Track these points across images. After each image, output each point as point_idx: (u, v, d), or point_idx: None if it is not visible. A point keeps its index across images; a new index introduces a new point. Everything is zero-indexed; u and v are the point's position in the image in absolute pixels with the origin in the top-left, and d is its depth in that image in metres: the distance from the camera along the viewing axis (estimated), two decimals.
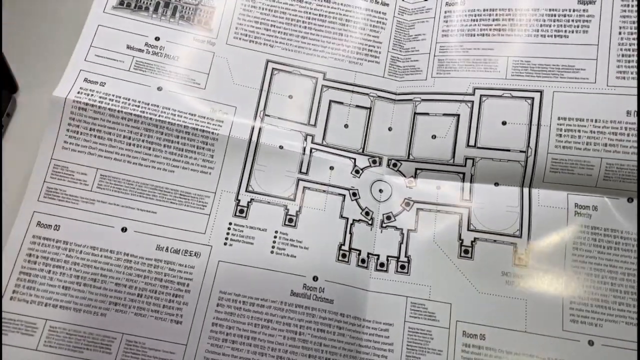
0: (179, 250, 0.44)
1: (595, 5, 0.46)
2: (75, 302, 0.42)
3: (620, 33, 0.45)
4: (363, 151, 0.47)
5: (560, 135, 0.44)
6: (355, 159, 0.47)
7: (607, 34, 0.45)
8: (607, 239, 0.42)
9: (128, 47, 0.47)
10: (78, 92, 0.45)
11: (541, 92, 0.45)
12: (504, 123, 0.45)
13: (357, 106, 0.48)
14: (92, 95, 0.45)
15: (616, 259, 0.42)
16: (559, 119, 0.44)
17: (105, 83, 0.46)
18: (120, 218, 0.44)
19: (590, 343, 0.41)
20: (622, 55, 0.45)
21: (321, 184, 0.46)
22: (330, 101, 0.48)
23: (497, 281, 0.43)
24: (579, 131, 0.44)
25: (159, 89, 0.46)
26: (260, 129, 0.47)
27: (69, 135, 0.44)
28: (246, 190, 0.45)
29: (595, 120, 0.44)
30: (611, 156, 0.43)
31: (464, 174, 0.46)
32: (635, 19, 0.45)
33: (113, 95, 0.45)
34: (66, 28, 0.49)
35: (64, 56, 0.47)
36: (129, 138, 0.45)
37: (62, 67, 0.46)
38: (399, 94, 0.49)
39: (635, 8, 0.45)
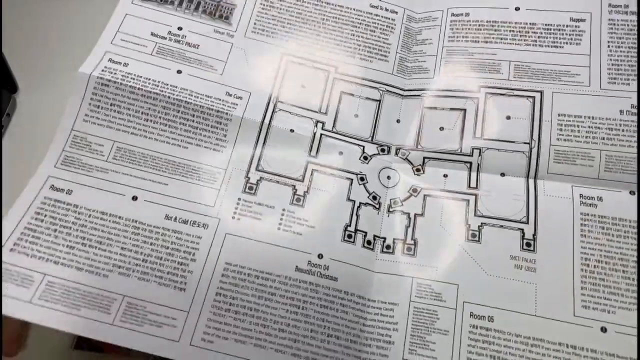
0: (187, 221, 0.44)
1: (586, 22, 0.50)
2: (78, 261, 0.42)
3: (609, 46, 0.49)
4: (372, 139, 0.49)
5: (561, 129, 0.46)
6: (364, 147, 0.48)
7: (597, 46, 0.49)
8: (616, 227, 0.43)
9: (152, 34, 0.50)
10: (102, 70, 0.47)
11: (541, 92, 0.48)
12: (508, 117, 0.48)
13: (367, 98, 0.50)
14: (115, 73, 0.47)
15: (627, 246, 0.42)
16: (559, 115, 0.47)
17: (128, 64, 0.48)
18: (132, 187, 0.44)
19: (603, 330, 0.40)
20: (612, 65, 0.48)
21: (330, 167, 0.47)
22: (342, 92, 0.50)
23: (505, 264, 0.43)
24: (578, 126, 0.46)
25: (179, 72, 0.48)
26: (272, 113, 0.48)
27: (91, 109, 0.46)
28: (256, 169, 0.46)
29: (593, 117, 0.46)
30: (609, 148, 0.45)
31: (470, 163, 0.47)
32: (621, 35, 0.49)
33: (135, 75, 0.47)
34: (66, 28, 0.52)
35: (64, 56, 0.48)
36: (147, 114, 0.46)
37: (63, 67, 0.48)
38: (407, 90, 0.51)
39: (620, 28, 0.49)
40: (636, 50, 0.48)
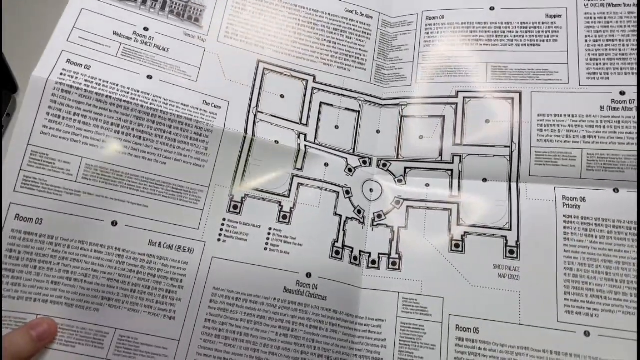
0: (172, 246, 0.42)
1: (562, 18, 0.50)
2: (67, 297, 0.40)
3: (586, 41, 0.49)
4: (354, 152, 0.48)
5: (542, 130, 0.46)
6: (347, 159, 0.48)
7: (574, 41, 0.49)
8: (599, 229, 0.43)
9: (115, 33, 0.45)
10: (61, 74, 0.42)
11: (520, 93, 0.48)
12: (487, 121, 0.48)
13: (347, 109, 0.49)
14: (76, 78, 0.42)
15: (609, 247, 0.43)
16: (538, 115, 0.47)
17: (90, 66, 0.43)
18: (110, 211, 0.42)
19: (587, 334, 0.41)
20: (590, 59, 0.48)
21: (316, 180, 0.46)
22: (321, 103, 0.49)
23: (489, 274, 0.43)
24: (558, 125, 0.46)
25: (149, 77, 0.45)
26: (254, 123, 0.46)
27: (50, 120, 0.41)
28: (240, 186, 0.45)
29: (573, 116, 0.46)
30: (591, 147, 0.45)
31: (452, 170, 0.47)
32: (599, 29, 0.49)
33: (100, 80, 0.43)
34: None
35: None
36: (118, 126, 0.43)
37: None
38: (386, 99, 0.51)
39: (597, 21, 0.49)
40: (616, 43, 0.48)
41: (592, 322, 0.41)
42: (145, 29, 0.47)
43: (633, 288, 0.41)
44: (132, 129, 0.43)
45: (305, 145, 0.47)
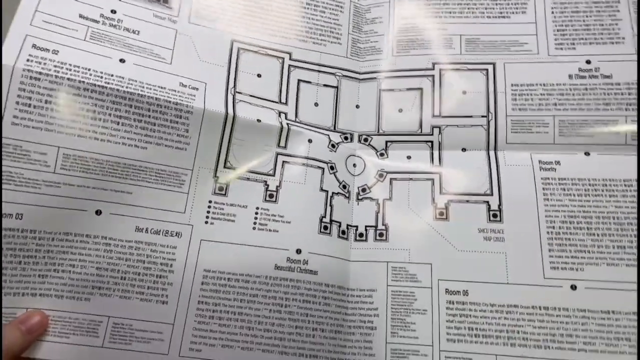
0: (160, 231, 0.42)
1: None
2: (56, 289, 0.39)
3: (552, 13, 0.51)
4: (334, 128, 0.48)
5: (515, 99, 0.48)
6: (328, 135, 0.48)
7: (542, 13, 0.51)
8: (576, 187, 0.45)
9: (81, 16, 0.44)
10: (28, 60, 0.40)
11: (494, 64, 0.49)
12: (464, 92, 0.49)
13: (325, 85, 0.49)
14: (44, 63, 0.40)
15: (588, 204, 0.44)
16: (512, 85, 0.48)
17: (58, 51, 0.41)
18: (93, 201, 0.41)
19: (573, 287, 0.42)
20: (557, 31, 0.50)
21: (300, 157, 0.46)
22: (299, 80, 0.49)
23: (474, 238, 0.44)
24: (531, 94, 0.48)
25: (122, 60, 0.43)
26: (234, 104, 0.46)
27: (20, 109, 0.39)
28: (224, 167, 0.45)
29: (544, 85, 0.48)
30: (561, 113, 0.47)
31: (432, 142, 0.48)
32: (564, 1, 0.51)
33: (70, 65, 0.41)
34: None
35: None
36: (94, 112, 0.41)
37: None
38: (363, 73, 0.51)
39: None
40: (580, 15, 0.50)
41: (577, 275, 0.43)
42: (113, 12, 0.45)
43: (615, 240, 0.43)
44: (109, 114, 0.42)
45: (287, 123, 0.47)
